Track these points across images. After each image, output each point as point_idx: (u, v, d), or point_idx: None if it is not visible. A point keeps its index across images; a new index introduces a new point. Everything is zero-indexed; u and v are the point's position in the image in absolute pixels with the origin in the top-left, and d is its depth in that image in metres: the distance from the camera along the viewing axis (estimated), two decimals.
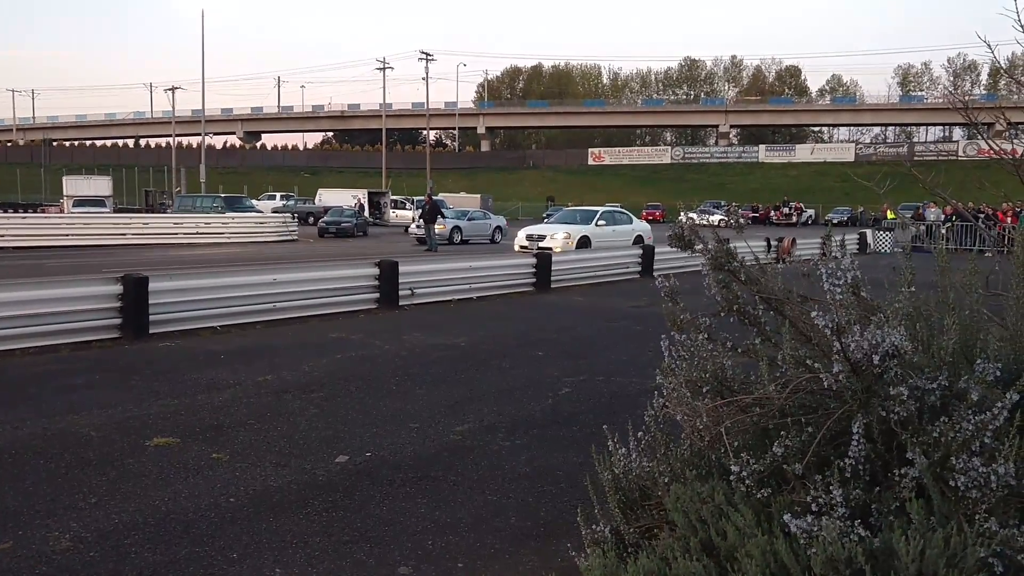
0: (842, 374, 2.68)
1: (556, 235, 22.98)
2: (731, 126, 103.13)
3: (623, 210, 27.56)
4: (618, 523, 3.48)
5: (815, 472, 2.90)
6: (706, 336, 3.46)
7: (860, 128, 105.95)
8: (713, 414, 3.21)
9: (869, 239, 29.29)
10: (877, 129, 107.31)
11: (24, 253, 23.49)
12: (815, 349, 3.18)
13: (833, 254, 3.10)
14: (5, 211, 38.31)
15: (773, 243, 23.07)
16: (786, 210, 62.12)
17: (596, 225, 23.75)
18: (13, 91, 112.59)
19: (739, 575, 2.59)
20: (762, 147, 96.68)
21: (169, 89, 74.69)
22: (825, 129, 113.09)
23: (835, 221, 59.65)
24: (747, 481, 2.82)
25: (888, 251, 28.10)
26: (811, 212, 64.18)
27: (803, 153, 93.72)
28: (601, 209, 25.77)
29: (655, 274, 17.79)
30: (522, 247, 23.01)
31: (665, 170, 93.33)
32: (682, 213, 60.75)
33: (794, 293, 3.48)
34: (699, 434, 3.20)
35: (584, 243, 22.50)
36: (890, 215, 45.93)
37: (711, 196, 71.64)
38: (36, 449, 5.46)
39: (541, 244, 22.53)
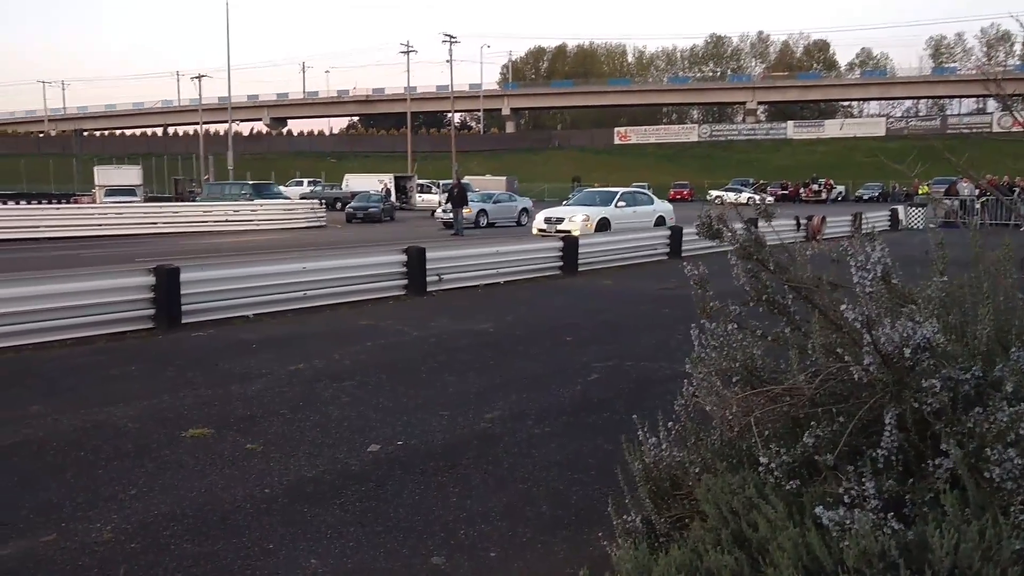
0: (873, 366, 2.67)
1: (575, 218, 22.55)
2: (758, 103, 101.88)
3: (644, 190, 27.20)
4: (649, 513, 3.50)
5: (847, 463, 2.89)
6: (735, 325, 3.45)
7: (891, 102, 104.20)
8: (743, 404, 3.21)
9: (901, 215, 28.91)
10: (908, 103, 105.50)
11: (60, 243, 23.82)
12: (845, 337, 3.16)
13: (863, 232, 3.09)
14: (40, 202, 38.86)
15: (802, 222, 22.86)
16: (815, 187, 61.37)
17: (616, 207, 23.33)
18: (44, 82, 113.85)
19: (771, 568, 2.59)
20: (790, 123, 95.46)
21: (196, 77, 75.19)
22: (855, 104, 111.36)
23: (866, 197, 59.06)
24: (776, 472, 2.82)
25: (920, 227, 27.71)
26: (841, 188, 63.39)
27: (832, 129, 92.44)
28: (621, 190, 25.30)
29: (683, 255, 17.76)
30: (540, 230, 22.75)
31: (692, 148, 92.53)
32: (710, 192, 60.37)
33: (824, 281, 3.45)
34: (729, 424, 3.20)
35: (603, 225, 22.10)
36: (922, 190, 45.26)
37: (739, 174, 71.03)
38: (76, 441, 5.57)
39: (559, 227, 22.17)
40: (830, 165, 73.88)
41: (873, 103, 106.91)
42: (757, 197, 57.81)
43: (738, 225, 3.50)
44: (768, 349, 3.48)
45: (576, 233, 20.35)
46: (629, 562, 2.76)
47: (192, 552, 3.92)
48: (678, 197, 64.52)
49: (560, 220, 22.82)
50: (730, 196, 58.68)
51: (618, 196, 24.03)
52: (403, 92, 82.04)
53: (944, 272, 3.41)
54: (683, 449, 3.56)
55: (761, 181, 66.77)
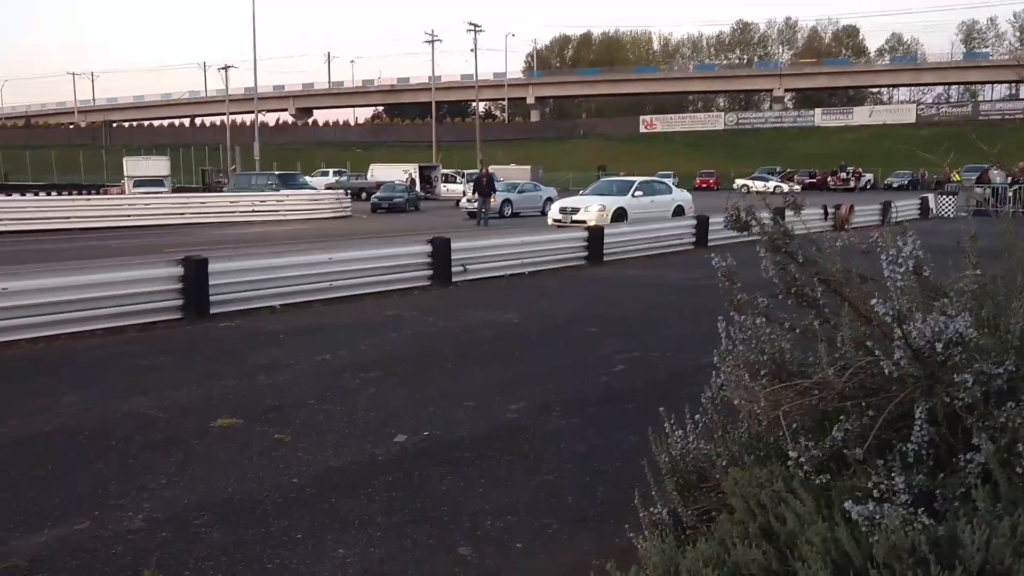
0: (904, 360, 2.64)
1: (590, 208, 22.09)
2: (785, 90, 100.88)
3: (662, 180, 26.53)
4: (676, 506, 3.49)
5: (877, 457, 2.87)
6: (764, 318, 3.42)
7: (921, 88, 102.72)
8: (771, 398, 3.19)
9: (931, 203, 28.53)
10: (939, 89, 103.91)
11: (90, 234, 24.10)
12: (876, 331, 3.13)
13: (893, 222, 3.05)
14: (70, 193, 39.34)
15: (830, 211, 22.62)
16: (844, 175, 60.72)
17: (633, 196, 22.81)
18: (73, 74, 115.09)
19: (799, 562, 2.57)
20: (818, 111, 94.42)
21: (222, 68, 75.72)
22: (884, 90, 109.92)
23: (895, 185, 58.37)
24: (805, 467, 2.80)
25: (951, 215, 27.35)
26: (870, 176, 62.71)
27: (861, 116, 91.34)
28: (638, 179, 24.79)
29: (709, 245, 17.64)
30: (555, 220, 22.35)
31: (718, 136, 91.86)
32: (736, 181, 59.87)
33: (853, 273, 3.42)
34: (757, 418, 3.19)
35: (620, 215, 21.64)
36: (954, 177, 44.63)
37: (766, 162, 70.41)
38: (107, 431, 5.65)
39: (575, 217, 21.81)
40: (859, 153, 73.04)
41: (903, 89, 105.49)
42: (784, 186, 57.43)
43: (766, 216, 3.47)
44: (796, 342, 3.46)
45: (592, 223, 20.00)
46: (656, 555, 2.76)
47: (221, 541, 3.97)
48: (704, 186, 64.19)
49: (575, 210, 22.44)
50: (757, 185, 58.38)
51: (635, 186, 23.54)
52: (428, 81, 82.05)
53: (977, 264, 3.36)
54: (710, 442, 3.55)
55: (788, 169, 66.18)
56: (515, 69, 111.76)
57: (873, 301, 2.61)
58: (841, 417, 2.92)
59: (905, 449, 2.82)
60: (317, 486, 4.68)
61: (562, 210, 22.87)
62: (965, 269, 3.08)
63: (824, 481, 2.78)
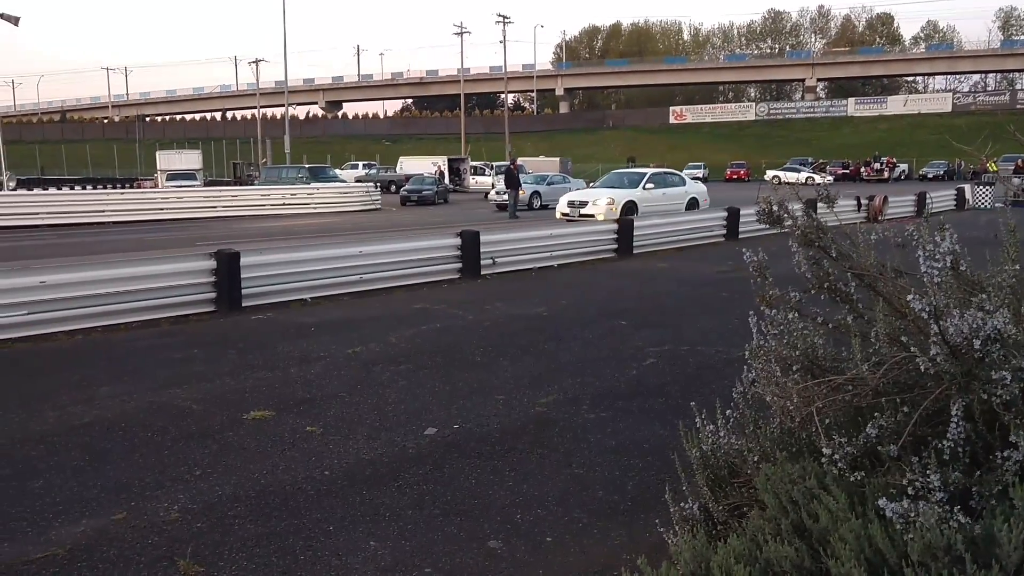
0: (940, 356, 2.61)
1: (598, 201, 21.46)
2: (818, 79, 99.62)
3: (676, 172, 25.83)
4: (706, 501, 3.48)
5: (912, 454, 2.84)
6: (796, 313, 3.40)
7: (958, 77, 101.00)
8: (804, 394, 3.17)
9: (967, 195, 28.09)
10: (976, 77, 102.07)
11: (124, 227, 24.46)
12: (911, 326, 3.09)
13: (929, 215, 3.00)
14: (105, 187, 39.89)
15: (863, 202, 22.36)
16: (877, 165, 59.93)
17: (644, 189, 22.15)
18: (107, 69, 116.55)
19: (832, 560, 2.55)
20: (851, 100, 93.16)
21: (253, 62, 76.38)
22: (919, 79, 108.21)
23: (930, 176, 57.46)
24: (839, 463, 2.78)
25: (988, 207, 26.90)
26: (904, 167, 61.79)
27: (895, 105, 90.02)
28: (650, 171, 24.11)
29: (740, 237, 17.50)
30: (563, 215, 21.77)
31: (749, 127, 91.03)
32: (767, 172, 59.28)
33: (888, 267, 3.38)
34: (789, 414, 3.17)
35: (630, 209, 20.91)
36: (991, 167, 43.84)
37: (797, 153, 69.67)
38: (143, 422, 5.74)
39: (583, 211, 21.22)
40: (893, 143, 72.04)
41: (939, 78, 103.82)
42: (816, 177, 56.79)
43: (798, 209, 3.43)
44: (829, 338, 3.43)
45: (600, 218, 19.58)
46: (687, 551, 2.75)
47: (255, 532, 4.02)
48: (734, 177, 63.64)
49: (583, 203, 21.81)
50: (788, 176, 57.79)
51: (646, 178, 22.85)
52: (456, 74, 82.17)
53: (1016, 257, 3.31)
54: (741, 437, 3.53)
55: (820, 160, 65.40)
56: (544, 60, 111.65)
57: (909, 297, 2.58)
58: (875, 414, 2.90)
59: (940, 446, 2.79)
60: (349, 478, 4.72)
61: (570, 203, 22.26)
62: (1003, 263, 3.02)
63: (858, 478, 2.75)
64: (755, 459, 3.36)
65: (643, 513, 4.20)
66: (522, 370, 7.13)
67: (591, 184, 26.37)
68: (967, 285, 3.19)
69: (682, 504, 3.46)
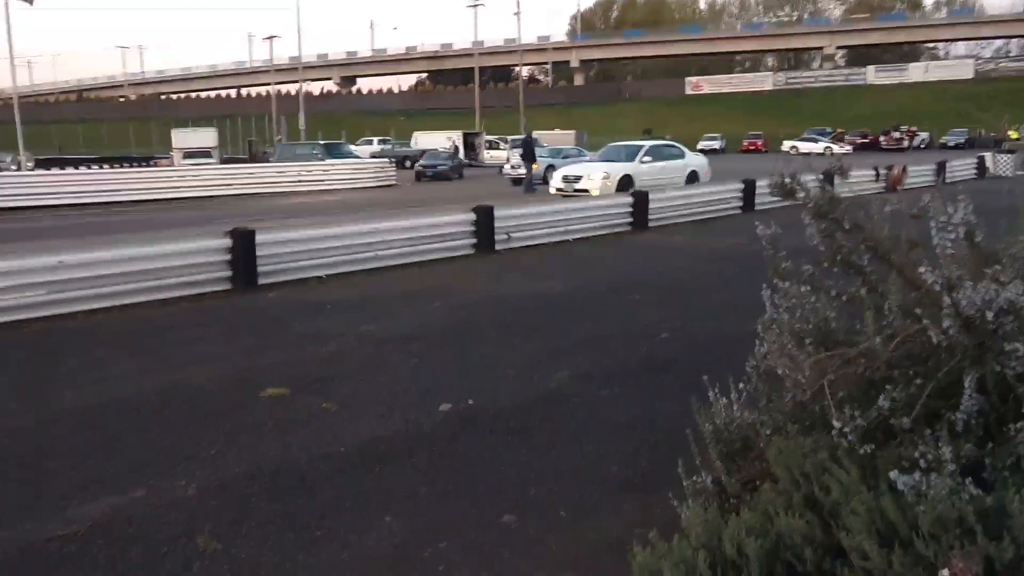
0: (952, 328, 2.58)
1: (593, 176, 20.71)
2: (837, 47, 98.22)
3: (674, 143, 24.97)
4: (719, 474, 3.49)
5: (924, 426, 2.82)
6: (808, 286, 3.37)
7: (979, 43, 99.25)
8: (816, 367, 3.15)
9: (988, 163, 27.72)
10: (999, 42, 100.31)
11: (140, 207, 24.57)
12: (924, 298, 3.06)
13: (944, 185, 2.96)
14: (122, 166, 40.05)
15: (882, 172, 22.12)
16: (897, 134, 59.20)
17: (641, 162, 21.40)
18: (122, 48, 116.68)
19: (844, 532, 2.55)
20: (871, 68, 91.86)
21: (267, 38, 76.36)
22: (941, 46, 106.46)
23: (951, 144, 56.73)
24: (850, 436, 2.77)
25: (1010, 175, 26.56)
26: (925, 136, 61.02)
27: (916, 73, 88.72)
28: (647, 143, 23.27)
29: (756, 209, 17.35)
30: (558, 190, 21.11)
31: (767, 97, 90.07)
32: (785, 143, 58.69)
33: (902, 239, 3.34)
34: (801, 387, 3.15)
35: (626, 183, 20.17)
36: (1012, 135, 43.19)
37: (816, 123, 68.88)
38: (159, 400, 5.80)
39: (577, 186, 20.58)
40: (913, 111, 71.07)
41: (960, 44, 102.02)
42: (835, 147, 56.20)
43: (811, 181, 3.39)
44: (842, 310, 3.40)
45: (595, 193, 19.07)
46: (699, 524, 2.76)
47: (270, 510, 4.06)
48: (751, 148, 63.08)
49: (578, 178, 21.06)
50: (806, 146, 57.22)
51: (643, 150, 22.01)
52: (471, 47, 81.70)
53: None
54: (754, 411, 3.52)
55: (839, 130, 64.66)
56: (559, 32, 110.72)
57: (921, 269, 2.55)
58: (887, 387, 2.88)
59: (953, 418, 2.77)
60: (363, 455, 4.75)
61: (564, 178, 21.52)
62: (1019, 232, 2.98)
63: (869, 451, 2.74)
64: (768, 432, 3.35)
65: (656, 488, 4.19)
66: (535, 346, 7.14)
67: (589, 158, 25.78)
68: (982, 256, 3.16)
69: (695, 478, 3.46)
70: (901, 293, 3.13)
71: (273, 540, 3.75)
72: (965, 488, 2.45)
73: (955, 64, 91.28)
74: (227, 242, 9.79)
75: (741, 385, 3.61)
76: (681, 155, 22.93)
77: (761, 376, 3.59)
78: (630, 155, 21.99)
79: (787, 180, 3.36)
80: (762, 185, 17.62)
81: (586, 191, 19.58)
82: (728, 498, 3.44)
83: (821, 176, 3.51)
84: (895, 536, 2.50)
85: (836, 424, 2.78)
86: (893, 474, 2.56)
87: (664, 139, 47.96)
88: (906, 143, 57.96)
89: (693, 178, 21.80)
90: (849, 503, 2.64)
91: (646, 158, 21.62)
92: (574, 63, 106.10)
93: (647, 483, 4.32)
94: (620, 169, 20.98)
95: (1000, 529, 2.34)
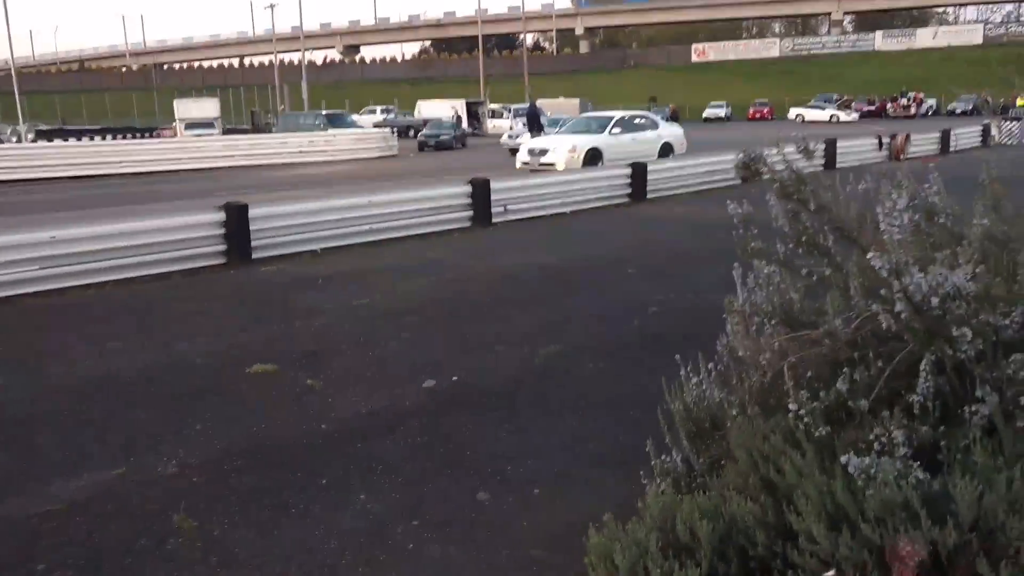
0: (904, 313, 2.60)
1: (558, 149, 19.69)
2: (844, 13, 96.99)
3: (648, 115, 23.61)
4: (687, 453, 3.53)
5: (887, 407, 2.85)
6: (774, 268, 3.38)
7: (990, 7, 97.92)
8: (777, 348, 3.17)
9: (993, 130, 27.47)
10: (1009, 7, 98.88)
11: (142, 178, 24.60)
12: (886, 280, 3.07)
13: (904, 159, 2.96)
14: (125, 137, 39.99)
15: (885, 141, 21.97)
16: (904, 101, 58.68)
17: (610, 134, 20.38)
18: (123, 17, 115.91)
19: (794, 515, 2.59)
20: (878, 33, 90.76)
21: (268, 6, 75.62)
22: (950, 10, 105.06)
23: (958, 111, 56.21)
24: (805, 419, 2.79)
25: (1014, 142, 26.36)
26: (932, 102, 60.46)
27: (924, 38, 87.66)
28: (617, 114, 21.91)
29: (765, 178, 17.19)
30: (524, 163, 20.15)
31: (773, 64, 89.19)
32: (791, 110, 58.16)
33: (868, 220, 3.35)
34: (762, 369, 3.18)
35: (594, 157, 19.51)
36: (1020, 102, 42.75)
37: (823, 89, 68.23)
38: (149, 377, 5.86)
39: (543, 160, 19.59)
40: (921, 78, 70.30)
41: (970, 9, 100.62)
42: (841, 114, 55.75)
43: (792, 154, 3.37)
44: (809, 291, 3.42)
45: (561, 167, 18.32)
46: (655, 506, 2.80)
47: (250, 486, 4.12)
48: (758, 116, 62.66)
49: (544, 152, 19.97)
50: (813, 114, 56.77)
51: (613, 122, 20.94)
52: (474, 15, 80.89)
53: (997, 205, 3.27)
54: (724, 389, 3.56)
55: (846, 97, 64.07)
56: None
57: (870, 255, 2.56)
58: (845, 369, 2.90)
59: (910, 401, 2.79)
60: (345, 432, 4.80)
61: (530, 151, 20.39)
62: (977, 215, 2.98)
63: (823, 434, 2.77)
64: (734, 412, 3.38)
65: (633, 465, 4.23)
66: (526, 321, 7.17)
67: (559, 129, 24.48)
68: (946, 237, 3.16)
69: (663, 457, 3.51)
70: (865, 274, 3.14)
71: (249, 517, 3.81)
72: (912, 472, 2.48)
73: (964, 29, 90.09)
74: (221, 216, 9.82)
75: (710, 365, 3.65)
76: (654, 126, 21.98)
77: (732, 355, 3.62)
78: (600, 127, 21.04)
79: (752, 161, 3.36)
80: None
81: (552, 165, 18.83)
82: (696, 477, 3.48)
83: (793, 153, 3.50)
84: (844, 519, 2.53)
85: (791, 406, 2.81)
86: (843, 458, 2.59)
87: (666, 108, 47.57)
88: (913, 110, 57.47)
89: (667, 151, 20.86)
90: (802, 486, 2.67)
91: (615, 130, 20.70)
92: (579, 30, 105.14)
93: (625, 460, 4.35)
94: (588, 142, 20.05)
95: (944, 514, 2.37)
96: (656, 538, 2.62)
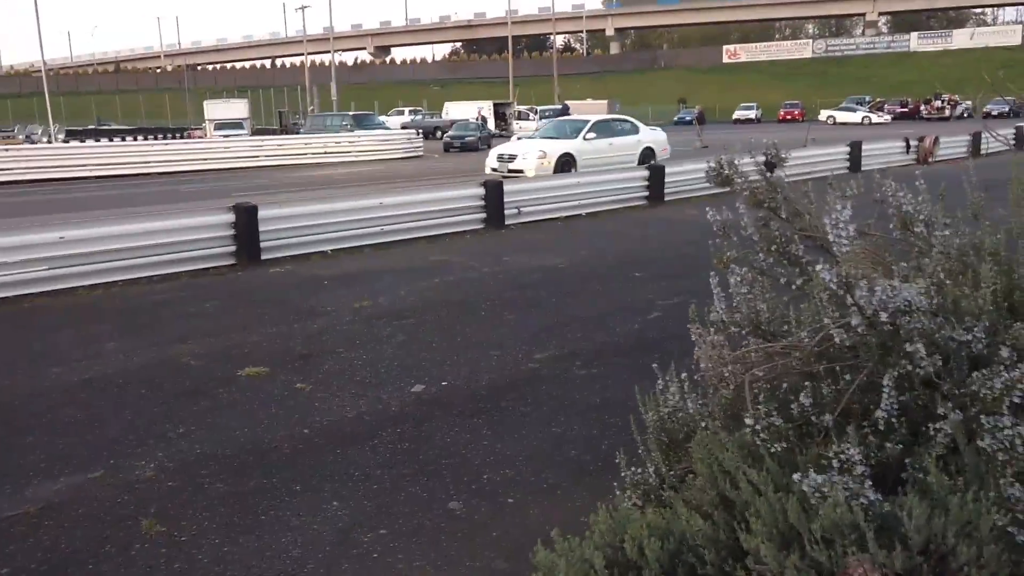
0: (861, 327, 2.50)
1: (528, 155, 18.77)
2: (880, 13, 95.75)
3: (628, 118, 22.40)
4: (658, 465, 3.45)
5: (855, 423, 2.76)
6: (740, 278, 3.30)
7: None
8: (741, 361, 3.09)
9: None
10: None
11: (167, 178, 24.85)
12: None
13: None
14: (156, 137, 40.46)
15: (912, 143, 21.60)
16: (938, 103, 57.75)
17: (584, 139, 19.40)
18: (158, 19, 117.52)
19: (744, 533, 2.51)
20: (914, 35, 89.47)
21: (300, 8, 76.22)
22: (988, 10, 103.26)
23: (994, 113, 55.14)
24: (762, 435, 2.71)
25: None
26: (967, 105, 59.39)
27: (961, 39, 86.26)
28: (594, 118, 21.06)
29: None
30: (493, 170, 19.34)
31: (805, 65, 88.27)
32: (822, 112, 57.50)
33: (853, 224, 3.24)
34: (725, 382, 3.09)
35: (566, 163, 18.63)
36: None
37: (856, 91, 67.44)
38: (141, 378, 5.88)
39: (511, 166, 18.77)
40: (957, 79, 69.05)
41: (1009, 9, 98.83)
42: (873, 116, 54.99)
43: (750, 167, 3.30)
44: (793, 301, 3.32)
45: (530, 173, 17.62)
46: (603, 523, 2.73)
47: (223, 492, 4.10)
48: (788, 118, 61.99)
49: (512, 157, 19.12)
50: (843, 116, 56.04)
51: (588, 126, 19.94)
52: (504, 16, 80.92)
53: (978, 215, 3.17)
54: (700, 401, 3.48)
55: (878, 99, 63.20)
56: (594, 0, 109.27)
57: (818, 267, 2.47)
58: (806, 384, 2.81)
59: (873, 418, 2.70)
60: (327, 437, 4.77)
61: (499, 157, 19.58)
62: (942, 225, 2.87)
63: (779, 450, 2.68)
64: (704, 424, 3.30)
65: (611, 474, 4.16)
66: (525, 324, 7.11)
67: (535, 133, 23.55)
68: (919, 247, 3.06)
69: (633, 468, 3.44)
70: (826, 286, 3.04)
71: (218, 523, 3.79)
72: (863, 493, 2.39)
73: (1002, 30, 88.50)
74: (230, 217, 9.86)
75: (684, 375, 3.57)
76: (634, 131, 20.84)
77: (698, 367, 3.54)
78: (574, 131, 19.99)
79: (724, 168, 3.27)
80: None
81: (521, 171, 17.96)
82: (667, 490, 3.41)
83: (764, 159, 3.41)
84: (796, 539, 2.45)
85: (748, 421, 2.72)
86: (796, 475, 2.51)
87: (695, 109, 47.17)
88: (948, 112, 56.55)
89: (648, 156, 19.87)
90: (756, 503, 2.59)
91: (590, 134, 19.64)
92: (609, 32, 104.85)
93: (604, 469, 4.28)
94: (560, 147, 19.06)
95: (893, 537, 2.28)
96: (600, 557, 2.55)
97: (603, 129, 20.13)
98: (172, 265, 9.43)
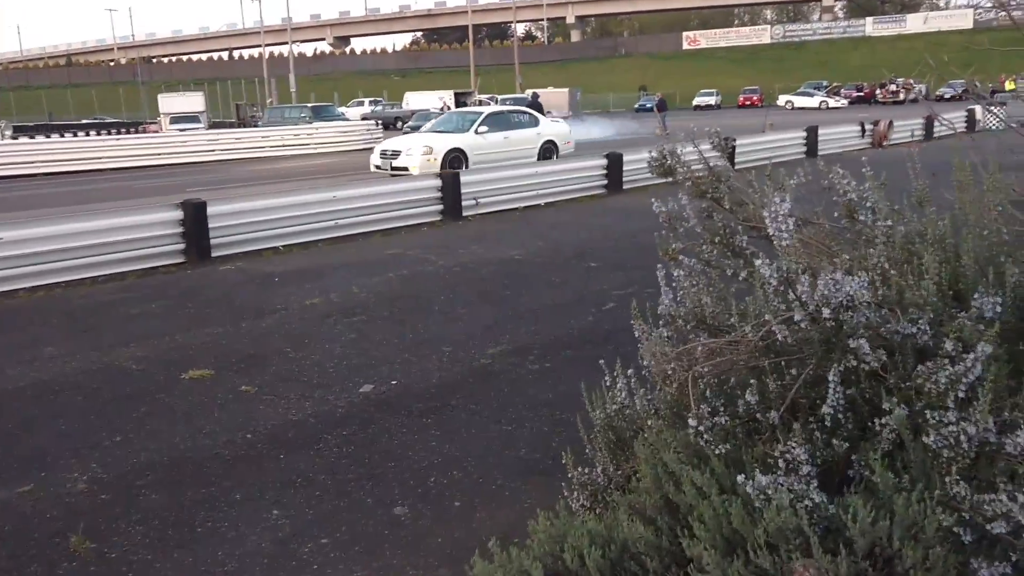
0: (804, 322, 2.41)
1: (412, 151, 17.45)
2: None
3: (526, 109, 21.33)
4: (606, 466, 3.36)
5: (804, 417, 2.68)
6: (687, 271, 3.20)
7: None
8: (686, 357, 2.99)
9: (978, 115, 27.25)
10: None
11: (120, 174, 24.30)
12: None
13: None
14: (109, 132, 39.60)
15: (868, 127, 21.77)
16: (893, 87, 58.45)
17: (476, 133, 18.10)
18: (111, 10, 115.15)
19: (687, 539, 2.41)
20: (869, 20, 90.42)
21: None
22: None
23: (947, 97, 55.92)
24: (705, 435, 2.61)
25: (998, 128, 26.15)
26: (921, 88, 60.16)
27: (915, 23, 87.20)
28: (486, 111, 19.84)
29: (737, 167, 16.97)
30: (376, 167, 18.26)
31: (764, 51, 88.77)
32: (780, 97, 57.89)
33: (792, 218, 3.16)
34: (668, 380, 2.99)
35: (456, 159, 17.38)
36: (1009, 86, 42.54)
37: (814, 76, 67.98)
38: (79, 384, 5.67)
39: (395, 163, 17.51)
40: (912, 63, 69.81)
41: None
42: (831, 101, 55.51)
43: (692, 156, 3.20)
44: (739, 294, 3.24)
45: (415, 171, 16.42)
46: (543, 530, 2.62)
47: (158, 504, 3.93)
48: (747, 103, 62.36)
49: (396, 154, 17.83)
50: (802, 101, 56.52)
51: (480, 119, 18.61)
52: (465, 4, 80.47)
53: (923, 202, 3.09)
54: (647, 396, 3.38)
55: (835, 83, 63.83)
56: None
57: (758, 262, 2.38)
58: (752, 381, 2.72)
59: (819, 414, 2.62)
60: (270, 442, 4.62)
61: (382, 154, 18.28)
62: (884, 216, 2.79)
63: (723, 451, 2.59)
64: (650, 423, 3.21)
65: (561, 473, 4.06)
66: (478, 319, 6.99)
67: (424, 127, 22.40)
68: (863, 238, 2.98)
69: (580, 468, 3.34)
70: (776, 277, 2.96)
71: (151, 537, 3.63)
72: (808, 495, 2.30)
73: (954, 14, 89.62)
74: (178, 214, 9.61)
75: (631, 371, 3.47)
76: (533, 123, 19.52)
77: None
78: (466, 124, 18.70)
79: (667, 157, 3.17)
80: (743, 143, 17.30)
81: (405, 169, 16.93)
82: (614, 491, 3.31)
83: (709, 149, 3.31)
84: (740, 545, 2.36)
85: (690, 421, 2.62)
86: (740, 477, 2.41)
87: (655, 96, 47.16)
88: (902, 96, 57.25)
89: (549, 151, 18.87)
90: (700, 507, 2.50)
91: (482, 128, 18.30)
92: (570, 19, 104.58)
93: (554, 468, 4.17)
94: (448, 142, 17.73)
95: (838, 540, 2.20)
96: (539, 568, 2.44)
97: (498, 122, 18.86)
98: (118, 265, 9.16)
